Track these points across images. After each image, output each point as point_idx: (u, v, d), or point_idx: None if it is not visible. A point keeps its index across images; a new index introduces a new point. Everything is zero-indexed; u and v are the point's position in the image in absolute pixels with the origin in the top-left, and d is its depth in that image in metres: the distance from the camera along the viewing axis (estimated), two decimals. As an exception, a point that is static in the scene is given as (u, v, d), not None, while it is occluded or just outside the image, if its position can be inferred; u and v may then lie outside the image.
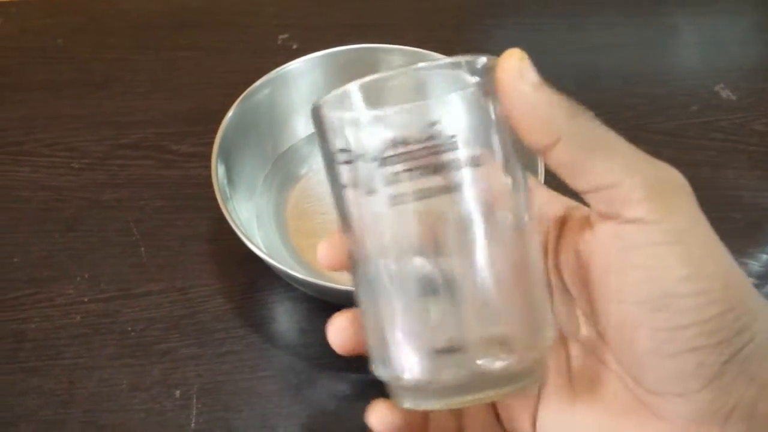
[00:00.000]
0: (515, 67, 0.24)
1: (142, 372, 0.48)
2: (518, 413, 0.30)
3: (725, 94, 0.66)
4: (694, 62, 0.70)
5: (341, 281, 0.47)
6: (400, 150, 0.25)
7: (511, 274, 0.26)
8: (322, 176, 0.55)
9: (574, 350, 0.29)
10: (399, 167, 0.25)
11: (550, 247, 0.29)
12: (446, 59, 0.25)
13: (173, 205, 0.56)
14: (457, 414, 0.32)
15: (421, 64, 0.25)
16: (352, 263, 0.28)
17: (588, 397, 0.28)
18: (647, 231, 0.24)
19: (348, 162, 0.26)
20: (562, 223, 0.29)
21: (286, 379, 0.48)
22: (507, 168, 0.26)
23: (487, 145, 0.25)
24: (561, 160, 0.24)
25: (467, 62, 0.25)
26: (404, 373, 0.26)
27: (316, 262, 0.50)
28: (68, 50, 0.67)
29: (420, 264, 0.25)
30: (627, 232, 0.24)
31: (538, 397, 0.30)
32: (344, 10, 0.71)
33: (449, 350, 0.25)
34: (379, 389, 0.47)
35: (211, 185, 0.48)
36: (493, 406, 0.32)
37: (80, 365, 0.48)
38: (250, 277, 0.52)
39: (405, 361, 0.26)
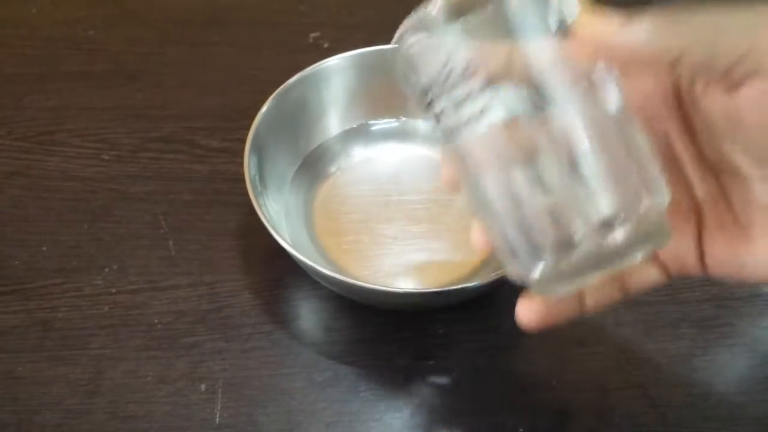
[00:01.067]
0: (592, 24, 0.26)
1: (168, 365, 0.48)
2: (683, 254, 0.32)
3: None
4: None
5: (368, 279, 0.48)
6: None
7: (614, 150, 0.27)
8: (350, 175, 0.55)
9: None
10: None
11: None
12: None
13: (202, 200, 0.56)
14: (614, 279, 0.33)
15: None
16: (470, 187, 0.30)
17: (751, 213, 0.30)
18: None
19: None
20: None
21: (311, 377, 0.48)
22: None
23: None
24: (694, 66, 0.26)
25: None
26: (539, 265, 0.28)
27: (342, 261, 0.51)
28: (100, 42, 0.67)
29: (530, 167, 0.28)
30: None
31: (699, 236, 0.32)
32: (375, 10, 0.71)
33: (573, 233, 0.27)
34: (403, 388, 0.47)
35: (240, 181, 0.48)
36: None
37: (107, 356, 0.48)
38: (277, 273, 0.52)
39: (537, 254, 0.28)
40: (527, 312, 0.33)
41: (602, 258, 0.28)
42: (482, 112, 0.28)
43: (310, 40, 0.68)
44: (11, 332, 0.49)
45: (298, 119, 0.54)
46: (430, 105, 0.29)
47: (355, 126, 0.57)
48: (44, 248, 0.53)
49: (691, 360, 0.49)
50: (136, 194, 0.56)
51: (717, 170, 0.32)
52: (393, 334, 0.50)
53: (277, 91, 0.51)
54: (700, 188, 0.32)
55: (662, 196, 0.28)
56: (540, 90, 0.27)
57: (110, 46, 0.67)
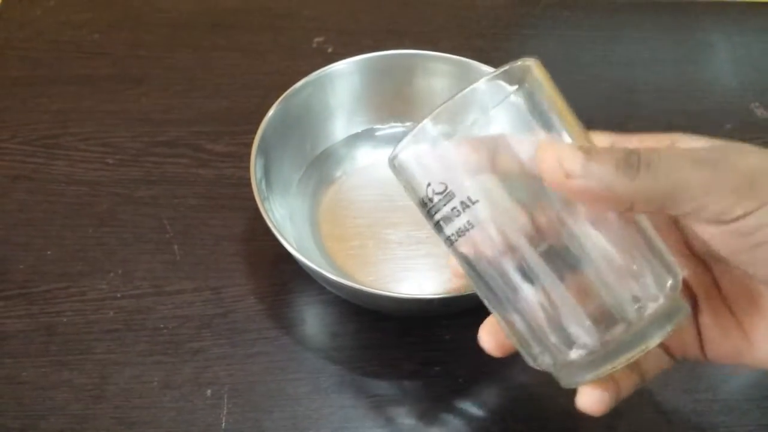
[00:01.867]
0: (553, 162, 0.26)
1: (173, 370, 0.47)
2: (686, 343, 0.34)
3: (760, 112, 0.66)
4: (729, 80, 0.70)
5: (373, 285, 0.47)
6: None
7: (629, 239, 0.29)
8: (356, 180, 0.55)
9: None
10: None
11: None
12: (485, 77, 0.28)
13: (207, 204, 0.56)
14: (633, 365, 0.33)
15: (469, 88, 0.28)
16: (483, 283, 0.31)
17: (744, 306, 0.31)
18: (754, 219, 0.26)
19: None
20: None
21: (317, 382, 0.47)
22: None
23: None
24: (646, 210, 0.27)
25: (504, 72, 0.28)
26: (571, 351, 0.29)
27: (348, 266, 0.51)
28: (105, 46, 0.67)
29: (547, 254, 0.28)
30: (738, 227, 0.26)
31: (697, 324, 0.33)
32: (379, 15, 0.71)
33: (602, 317, 0.28)
34: (410, 394, 0.47)
35: (245, 186, 0.48)
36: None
37: (112, 361, 0.48)
38: (282, 278, 0.52)
39: (568, 340, 0.29)
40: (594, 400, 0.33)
41: (629, 342, 0.29)
42: (470, 224, 0.29)
43: (314, 45, 0.68)
44: (16, 337, 0.49)
45: (304, 123, 0.54)
46: (429, 215, 0.30)
47: (360, 131, 0.57)
48: (49, 252, 0.53)
49: (698, 366, 0.49)
50: (141, 198, 0.56)
51: (707, 260, 0.32)
52: (399, 339, 0.50)
53: (284, 95, 0.51)
54: (692, 278, 0.33)
55: (678, 273, 0.29)
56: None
57: (115, 50, 0.67)
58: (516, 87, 0.27)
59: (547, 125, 0.28)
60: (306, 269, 0.45)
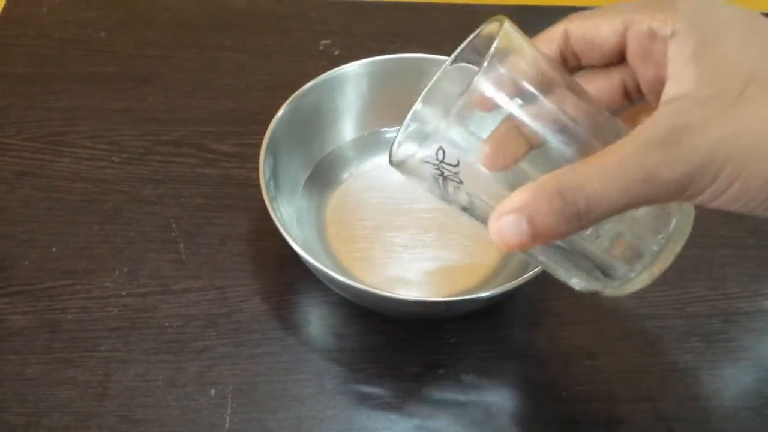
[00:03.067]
0: (498, 240, 0.27)
1: (178, 369, 0.48)
2: None
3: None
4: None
5: (378, 287, 0.48)
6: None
7: None
8: (362, 181, 0.55)
9: None
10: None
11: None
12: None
13: (213, 204, 0.56)
14: None
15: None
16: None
17: None
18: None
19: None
20: None
21: (321, 383, 0.48)
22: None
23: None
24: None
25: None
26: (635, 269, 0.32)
27: (353, 268, 0.51)
28: (111, 44, 0.67)
29: None
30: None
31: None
32: (385, 19, 0.72)
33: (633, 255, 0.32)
34: (414, 396, 0.47)
35: (251, 186, 0.48)
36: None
37: (116, 358, 0.48)
38: (288, 279, 0.52)
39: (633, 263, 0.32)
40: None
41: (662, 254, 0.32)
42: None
43: (321, 48, 0.68)
44: (20, 333, 0.49)
45: (312, 125, 0.54)
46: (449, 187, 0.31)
47: (367, 133, 0.57)
48: (54, 249, 0.53)
49: (699, 374, 0.50)
50: (147, 197, 0.56)
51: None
52: (403, 342, 0.50)
53: (293, 95, 0.51)
54: None
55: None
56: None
57: (121, 49, 0.67)
58: (482, 67, 0.27)
59: (522, 97, 0.28)
60: (312, 270, 0.46)
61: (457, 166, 0.29)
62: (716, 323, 0.52)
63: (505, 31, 0.29)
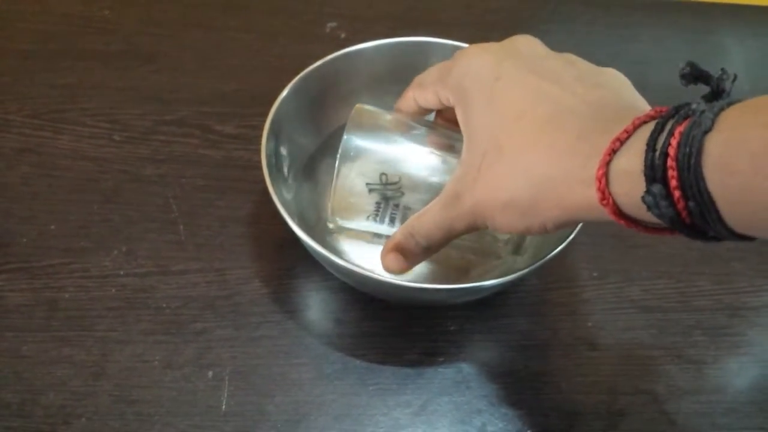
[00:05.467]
0: (389, 266, 0.42)
1: (175, 350, 0.47)
2: None
3: (772, 116, 0.65)
4: (741, 83, 0.69)
5: (380, 271, 0.47)
6: None
7: None
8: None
9: None
10: None
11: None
12: None
13: (214, 185, 0.55)
14: None
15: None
16: None
17: None
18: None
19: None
20: None
21: (320, 368, 0.47)
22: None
23: None
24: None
25: None
26: None
27: (354, 252, 0.50)
28: (115, 22, 0.66)
29: None
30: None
31: None
32: (394, 4, 0.71)
33: None
34: (412, 383, 0.46)
35: (253, 168, 0.47)
36: None
37: (113, 338, 0.48)
38: (288, 263, 0.51)
39: None
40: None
41: None
42: None
43: (328, 30, 0.67)
44: (17, 310, 0.48)
45: (316, 107, 0.53)
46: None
47: (372, 117, 0.56)
48: (53, 227, 0.52)
49: (702, 367, 0.49)
50: (148, 177, 0.55)
51: None
52: (403, 329, 0.49)
53: (298, 77, 0.50)
54: None
55: None
56: None
57: (126, 27, 0.66)
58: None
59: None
60: (313, 253, 0.45)
61: (398, 182, 0.44)
62: (721, 318, 0.51)
63: (357, 109, 0.46)
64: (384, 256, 0.42)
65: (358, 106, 0.46)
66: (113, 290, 0.50)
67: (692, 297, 0.52)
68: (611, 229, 0.55)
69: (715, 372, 0.49)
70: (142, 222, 0.53)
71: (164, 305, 0.49)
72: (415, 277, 0.49)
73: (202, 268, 0.51)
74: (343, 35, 0.67)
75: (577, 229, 0.44)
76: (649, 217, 0.29)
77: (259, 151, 0.46)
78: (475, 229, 0.39)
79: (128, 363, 0.47)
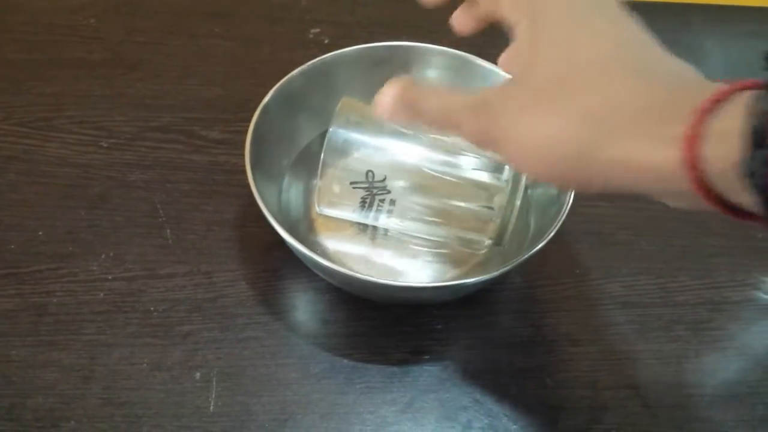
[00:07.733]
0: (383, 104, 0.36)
1: (163, 352, 0.48)
2: None
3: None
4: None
5: (365, 272, 0.48)
6: None
7: None
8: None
9: None
10: None
11: None
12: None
13: (200, 190, 0.56)
14: None
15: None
16: None
17: None
18: None
19: None
20: None
21: (307, 368, 0.48)
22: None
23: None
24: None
25: None
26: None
27: (339, 253, 0.51)
28: (100, 30, 0.67)
29: None
30: None
31: None
32: (376, 8, 0.72)
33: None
34: (399, 381, 0.47)
35: (238, 173, 0.48)
36: None
37: (101, 342, 0.48)
38: (274, 264, 0.52)
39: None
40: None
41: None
42: None
43: (311, 36, 0.68)
44: (5, 316, 0.49)
45: (299, 112, 0.54)
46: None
47: (355, 121, 0.57)
48: (40, 233, 0.53)
49: (684, 362, 0.50)
50: (134, 182, 0.56)
51: None
52: (389, 328, 0.50)
53: (281, 82, 0.51)
54: None
55: None
56: None
57: (111, 35, 0.67)
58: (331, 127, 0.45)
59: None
60: (298, 255, 0.46)
61: (384, 180, 0.46)
62: (702, 312, 0.52)
63: (344, 102, 0.47)
64: (383, 96, 0.36)
65: (344, 98, 0.47)
66: (101, 294, 0.50)
67: (673, 292, 0.53)
68: (592, 227, 0.56)
69: (696, 366, 0.50)
70: (129, 227, 0.53)
71: (152, 308, 0.49)
72: (397, 276, 0.50)
73: (189, 272, 0.51)
74: (326, 41, 0.68)
75: (557, 226, 0.45)
76: (735, 192, 0.26)
77: (243, 155, 0.47)
78: (480, 146, 0.34)
79: (116, 366, 0.47)
